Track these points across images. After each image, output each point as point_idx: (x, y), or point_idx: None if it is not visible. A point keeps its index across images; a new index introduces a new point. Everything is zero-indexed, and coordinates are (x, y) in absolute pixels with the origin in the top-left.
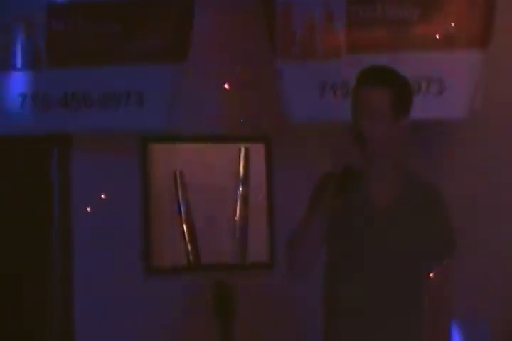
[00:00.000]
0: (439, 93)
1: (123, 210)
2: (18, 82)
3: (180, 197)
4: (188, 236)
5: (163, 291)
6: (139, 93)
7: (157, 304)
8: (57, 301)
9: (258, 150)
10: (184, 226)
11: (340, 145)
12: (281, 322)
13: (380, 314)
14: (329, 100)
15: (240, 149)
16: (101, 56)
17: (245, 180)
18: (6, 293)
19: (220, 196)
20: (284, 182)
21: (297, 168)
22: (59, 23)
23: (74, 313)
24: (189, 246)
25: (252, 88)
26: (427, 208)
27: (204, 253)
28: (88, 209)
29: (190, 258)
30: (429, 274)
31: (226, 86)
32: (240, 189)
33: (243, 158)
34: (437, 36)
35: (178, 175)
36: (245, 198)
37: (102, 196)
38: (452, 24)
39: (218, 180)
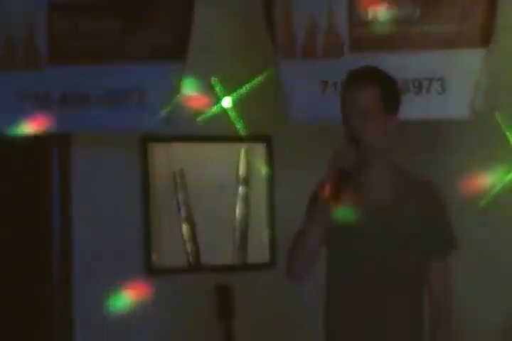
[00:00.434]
0: (441, 93)
1: (123, 210)
2: (18, 80)
3: (181, 197)
4: (188, 237)
5: (163, 292)
6: (138, 92)
7: (157, 305)
8: (57, 301)
9: (259, 150)
10: (184, 227)
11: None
12: (282, 323)
13: (380, 314)
14: (330, 100)
15: (240, 149)
16: (101, 55)
17: (246, 180)
18: (5, 293)
19: (220, 196)
20: (285, 183)
21: (298, 168)
22: (59, 21)
23: (74, 313)
24: (189, 247)
25: (253, 88)
26: (426, 207)
27: (204, 254)
28: (88, 209)
29: (190, 258)
30: (429, 274)
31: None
32: (241, 189)
33: (243, 158)
34: (439, 36)
35: (178, 175)
36: (246, 198)
37: (102, 195)
38: (454, 24)
39: (218, 180)
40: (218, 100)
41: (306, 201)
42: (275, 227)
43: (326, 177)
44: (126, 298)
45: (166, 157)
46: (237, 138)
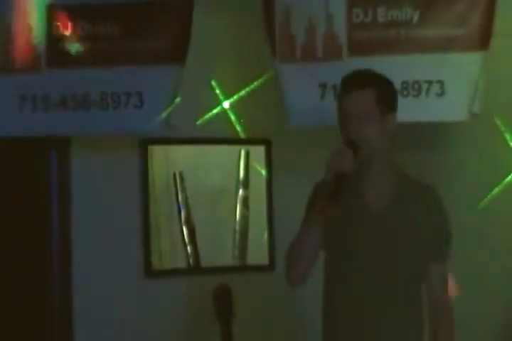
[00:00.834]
0: (440, 95)
1: (122, 212)
2: (17, 83)
3: (180, 200)
4: (188, 239)
5: (163, 294)
6: (138, 95)
7: (157, 306)
8: (57, 301)
9: (258, 152)
10: (184, 229)
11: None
12: (282, 325)
13: (379, 315)
14: (329, 103)
15: (240, 152)
16: (100, 58)
17: (245, 183)
18: (5, 294)
19: (220, 198)
20: (284, 185)
21: (297, 170)
22: (58, 24)
23: (74, 314)
24: (189, 249)
25: (253, 91)
26: (424, 209)
27: (204, 256)
28: (87, 211)
29: (190, 260)
30: (428, 274)
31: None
32: (240, 191)
33: (243, 161)
34: (438, 39)
35: (177, 177)
36: (245, 201)
37: (102, 198)
38: (452, 27)
39: (218, 182)
40: (218, 103)
41: (305, 203)
42: (274, 229)
43: (324, 180)
44: (126, 299)
45: (165, 159)
46: (236, 141)
